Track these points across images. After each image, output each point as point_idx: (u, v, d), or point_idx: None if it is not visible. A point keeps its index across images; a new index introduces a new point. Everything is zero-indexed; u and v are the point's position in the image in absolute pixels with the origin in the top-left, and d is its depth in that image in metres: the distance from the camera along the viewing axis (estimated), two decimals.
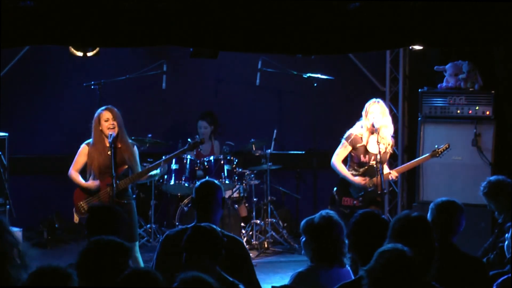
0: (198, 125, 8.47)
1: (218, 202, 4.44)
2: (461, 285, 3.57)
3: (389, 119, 6.46)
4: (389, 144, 6.41)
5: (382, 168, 6.27)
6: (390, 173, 6.48)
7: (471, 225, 7.14)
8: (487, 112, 7.53)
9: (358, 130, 6.42)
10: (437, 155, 6.61)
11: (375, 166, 6.31)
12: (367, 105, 6.40)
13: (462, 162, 7.60)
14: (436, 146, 6.68)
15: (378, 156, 6.26)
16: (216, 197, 4.44)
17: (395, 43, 6.04)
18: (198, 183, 4.63)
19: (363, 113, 6.40)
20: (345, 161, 6.58)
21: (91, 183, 5.95)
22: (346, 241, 3.97)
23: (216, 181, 4.63)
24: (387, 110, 6.49)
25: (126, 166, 6.01)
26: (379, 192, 6.28)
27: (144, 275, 3.02)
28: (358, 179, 6.38)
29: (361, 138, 6.38)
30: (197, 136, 6.93)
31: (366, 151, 6.38)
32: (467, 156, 7.58)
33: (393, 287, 3.02)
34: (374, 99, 6.45)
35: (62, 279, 3.02)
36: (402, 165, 6.68)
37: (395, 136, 6.77)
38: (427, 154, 6.67)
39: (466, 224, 7.21)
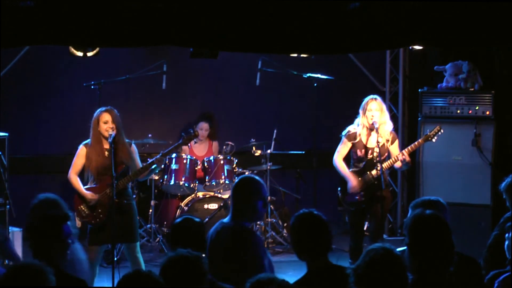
0: (199, 126, 8.47)
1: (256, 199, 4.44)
2: (455, 285, 3.57)
3: (387, 116, 6.48)
4: (387, 141, 6.41)
5: (382, 165, 6.27)
6: (396, 157, 6.37)
7: (471, 225, 7.18)
8: (487, 112, 7.53)
9: (354, 126, 6.47)
10: (430, 138, 6.56)
11: (372, 160, 6.35)
12: (364, 102, 6.42)
13: (462, 162, 7.60)
14: (428, 130, 6.65)
15: (377, 149, 6.28)
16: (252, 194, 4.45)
17: (395, 43, 6.04)
18: (237, 179, 4.62)
19: (361, 110, 6.41)
20: (348, 159, 6.59)
21: (89, 194, 5.94)
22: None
23: (255, 177, 4.56)
24: (385, 106, 6.50)
25: (124, 166, 6.01)
26: (382, 188, 6.28)
27: (145, 276, 3.02)
28: (352, 180, 6.38)
29: (357, 133, 6.42)
30: (190, 129, 6.91)
31: (362, 146, 6.41)
32: (467, 156, 7.58)
33: (377, 284, 3.03)
34: (371, 96, 6.47)
35: (37, 277, 3.01)
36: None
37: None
38: (419, 139, 6.63)
39: (466, 224, 7.21)
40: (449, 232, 3.43)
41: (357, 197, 6.42)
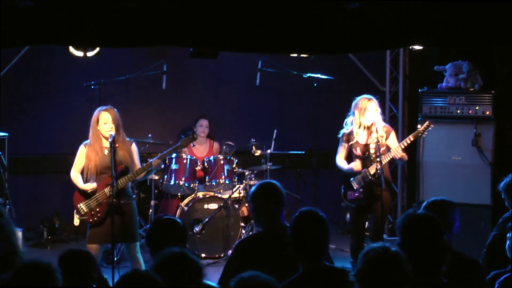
0: (199, 123, 8.48)
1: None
2: (456, 286, 3.57)
3: (380, 116, 6.52)
4: (381, 136, 6.42)
5: (381, 163, 6.28)
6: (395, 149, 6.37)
7: (471, 225, 7.17)
8: (487, 112, 7.53)
9: (347, 126, 6.50)
10: (420, 134, 6.50)
11: (371, 157, 6.37)
12: (360, 102, 6.42)
13: (462, 162, 7.60)
14: (419, 126, 6.60)
15: (373, 145, 6.32)
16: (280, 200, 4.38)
17: (395, 43, 6.04)
18: (255, 186, 4.49)
19: (356, 110, 6.42)
20: (350, 160, 6.61)
21: (87, 185, 5.95)
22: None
23: (275, 183, 4.47)
24: (379, 108, 6.52)
25: (123, 166, 6.01)
26: (382, 187, 6.29)
27: (143, 276, 3.02)
28: (353, 164, 6.43)
29: (350, 133, 6.46)
30: (189, 132, 6.92)
31: (358, 145, 6.44)
32: (467, 156, 7.57)
33: (381, 284, 3.03)
34: (366, 96, 6.48)
35: (45, 276, 3.01)
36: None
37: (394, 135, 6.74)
38: (410, 136, 6.57)
39: (466, 224, 7.19)
40: (441, 232, 3.43)
41: (357, 194, 6.46)
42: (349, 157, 6.59)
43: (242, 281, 2.97)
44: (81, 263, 3.52)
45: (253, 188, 4.47)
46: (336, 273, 3.64)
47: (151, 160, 6.12)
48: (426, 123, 6.50)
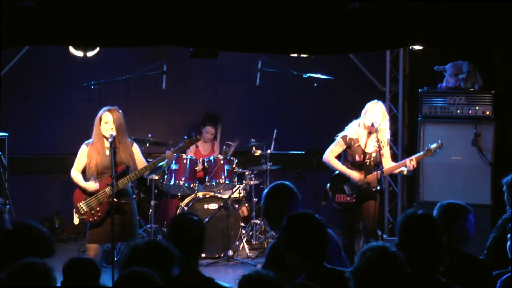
0: (205, 130, 8.50)
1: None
2: (464, 286, 3.57)
3: (387, 123, 6.49)
4: (383, 147, 6.43)
5: (382, 167, 6.28)
6: (405, 162, 6.43)
7: None
8: (487, 112, 7.53)
9: (353, 130, 6.48)
10: (430, 154, 6.56)
11: (369, 164, 6.37)
12: (367, 105, 6.47)
13: (462, 162, 7.60)
14: (429, 144, 6.63)
15: (374, 154, 6.32)
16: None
17: (395, 43, 6.04)
18: (269, 188, 4.44)
19: (363, 112, 6.45)
20: (338, 159, 6.61)
21: (90, 184, 5.96)
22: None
23: (287, 184, 4.43)
24: (386, 114, 6.52)
25: (124, 166, 6.02)
26: (376, 189, 6.31)
27: (140, 275, 3.03)
28: (355, 174, 6.41)
29: (357, 138, 6.43)
30: (193, 132, 6.92)
31: (361, 152, 6.43)
32: (467, 156, 7.58)
33: (378, 284, 3.03)
34: (375, 100, 6.51)
35: (41, 275, 3.02)
36: (395, 164, 6.58)
37: (394, 137, 6.76)
38: (421, 153, 6.63)
39: None
40: (440, 232, 3.44)
41: (349, 199, 6.45)
42: (337, 158, 6.59)
43: (245, 278, 3.00)
44: (85, 271, 3.50)
45: (266, 191, 4.42)
46: (338, 275, 3.63)
47: (157, 159, 6.11)
48: (439, 144, 6.50)
